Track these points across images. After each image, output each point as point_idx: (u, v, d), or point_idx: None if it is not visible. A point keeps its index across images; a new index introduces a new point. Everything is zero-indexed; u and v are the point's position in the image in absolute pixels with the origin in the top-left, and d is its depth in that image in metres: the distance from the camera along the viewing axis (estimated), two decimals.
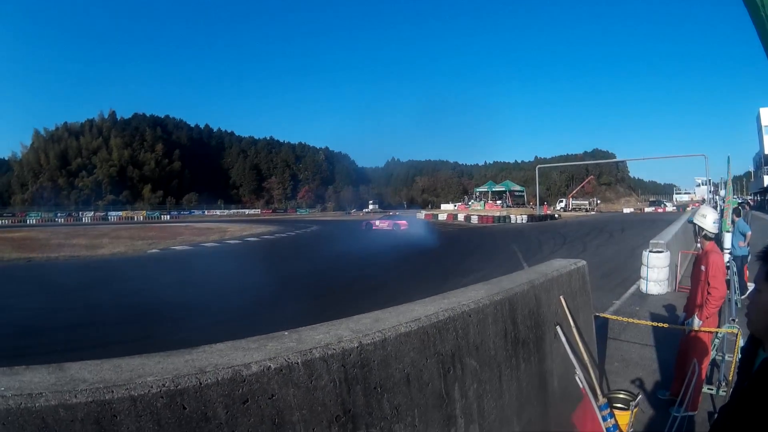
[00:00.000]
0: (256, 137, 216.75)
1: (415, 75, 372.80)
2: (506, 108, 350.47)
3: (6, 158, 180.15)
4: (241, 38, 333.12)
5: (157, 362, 2.77)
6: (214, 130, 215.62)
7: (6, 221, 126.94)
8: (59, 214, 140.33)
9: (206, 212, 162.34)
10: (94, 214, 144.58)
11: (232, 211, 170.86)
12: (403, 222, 68.95)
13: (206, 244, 45.10)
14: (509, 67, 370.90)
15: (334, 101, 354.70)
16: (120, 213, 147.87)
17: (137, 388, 2.41)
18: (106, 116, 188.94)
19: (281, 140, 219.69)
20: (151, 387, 2.44)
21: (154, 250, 39.90)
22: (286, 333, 3.42)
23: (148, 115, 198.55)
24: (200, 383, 2.56)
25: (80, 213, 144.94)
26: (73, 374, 2.52)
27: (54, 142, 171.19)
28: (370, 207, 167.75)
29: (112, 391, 2.36)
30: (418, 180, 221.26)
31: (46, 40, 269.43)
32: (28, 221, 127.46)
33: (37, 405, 2.20)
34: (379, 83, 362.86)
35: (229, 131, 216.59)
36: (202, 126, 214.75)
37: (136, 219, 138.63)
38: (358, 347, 3.32)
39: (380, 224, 68.47)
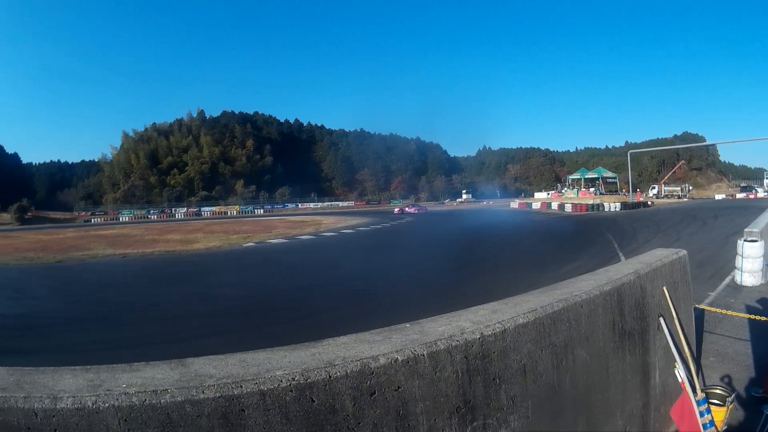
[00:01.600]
0: (347, 130, 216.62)
1: (504, 58, 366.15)
2: (596, 90, 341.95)
3: (96, 160, 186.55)
4: (326, 32, 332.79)
5: (283, 356, 2.83)
6: (304, 124, 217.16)
7: (99, 219, 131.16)
8: (152, 211, 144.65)
9: (299, 205, 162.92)
10: (187, 210, 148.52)
11: (325, 203, 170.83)
12: (424, 207, 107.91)
13: (302, 237, 45.49)
14: (597, 48, 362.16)
15: (423, 91, 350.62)
16: (213, 208, 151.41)
17: (266, 383, 2.46)
18: (194, 115, 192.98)
19: (372, 132, 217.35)
20: (281, 381, 2.49)
21: (249, 244, 40.30)
22: (408, 325, 3.46)
23: (236, 112, 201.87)
24: (329, 376, 2.61)
25: (173, 209, 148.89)
26: (197, 369, 2.60)
27: (143, 142, 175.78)
28: (464, 197, 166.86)
29: (241, 386, 2.42)
30: (510, 168, 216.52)
31: (131, 44, 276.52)
32: (120, 219, 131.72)
33: (162, 401, 2.27)
34: (467, 69, 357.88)
35: (319, 125, 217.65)
36: (291, 121, 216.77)
37: (229, 214, 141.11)
38: (479, 338, 3.32)
39: (409, 210, 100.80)
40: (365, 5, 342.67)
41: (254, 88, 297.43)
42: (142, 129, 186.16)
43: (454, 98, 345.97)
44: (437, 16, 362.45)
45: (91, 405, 2.22)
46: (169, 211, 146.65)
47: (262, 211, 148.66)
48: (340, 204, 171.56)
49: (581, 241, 33.79)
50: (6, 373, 2.61)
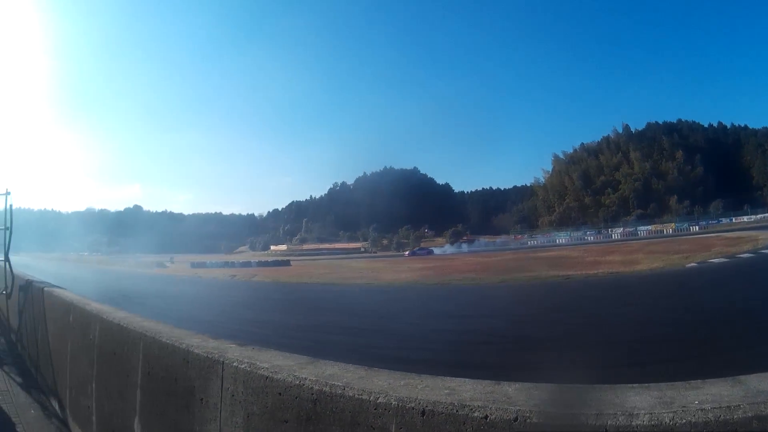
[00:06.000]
0: None
1: None
2: None
3: (528, 184, 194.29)
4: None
5: None
6: (728, 126, 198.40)
7: (535, 242, 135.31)
8: (588, 232, 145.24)
9: (733, 219, 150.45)
10: (623, 229, 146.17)
11: (758, 216, 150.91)
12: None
13: (741, 255, 42.83)
14: None
15: None
16: (649, 227, 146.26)
17: None
18: (620, 131, 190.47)
19: None
20: None
21: (691, 264, 38.82)
22: None
23: (660, 122, 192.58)
24: None
25: (609, 230, 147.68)
26: (756, 386, 2.60)
27: (574, 163, 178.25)
28: None
29: None
30: None
31: (552, 69, 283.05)
32: (557, 241, 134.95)
33: (734, 417, 2.28)
34: None
35: (742, 125, 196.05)
36: (715, 124, 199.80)
37: (664, 232, 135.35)
38: None
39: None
40: None
41: (674, 92, 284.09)
42: (571, 150, 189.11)
43: None
44: None
45: (668, 421, 2.29)
46: (605, 232, 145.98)
47: (696, 227, 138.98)
48: None
49: None
50: (559, 390, 2.82)
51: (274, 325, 23.71)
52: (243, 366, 3.56)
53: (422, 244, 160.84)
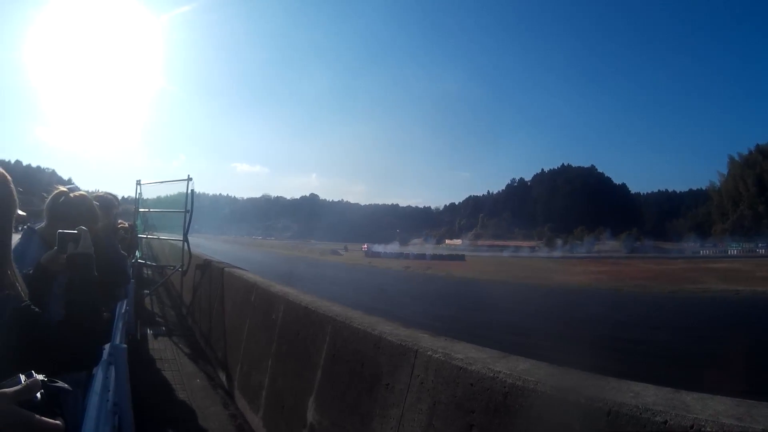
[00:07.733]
0: None
1: None
2: None
3: (704, 188, 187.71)
4: None
5: None
6: None
7: (707, 251, 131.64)
8: (760, 245, 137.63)
9: None
10: None
11: None
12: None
13: None
14: None
15: None
16: None
17: None
18: None
19: None
20: None
21: None
22: None
23: None
24: None
25: None
26: None
27: (749, 167, 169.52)
28: None
29: None
30: None
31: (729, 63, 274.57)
32: (728, 252, 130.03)
33: None
34: None
35: None
36: None
37: None
38: None
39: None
40: None
41: None
42: (747, 152, 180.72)
43: None
44: None
45: None
46: None
47: None
48: None
49: None
50: (731, 402, 2.59)
51: (449, 321, 24.06)
52: (437, 356, 3.69)
53: (597, 247, 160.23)
